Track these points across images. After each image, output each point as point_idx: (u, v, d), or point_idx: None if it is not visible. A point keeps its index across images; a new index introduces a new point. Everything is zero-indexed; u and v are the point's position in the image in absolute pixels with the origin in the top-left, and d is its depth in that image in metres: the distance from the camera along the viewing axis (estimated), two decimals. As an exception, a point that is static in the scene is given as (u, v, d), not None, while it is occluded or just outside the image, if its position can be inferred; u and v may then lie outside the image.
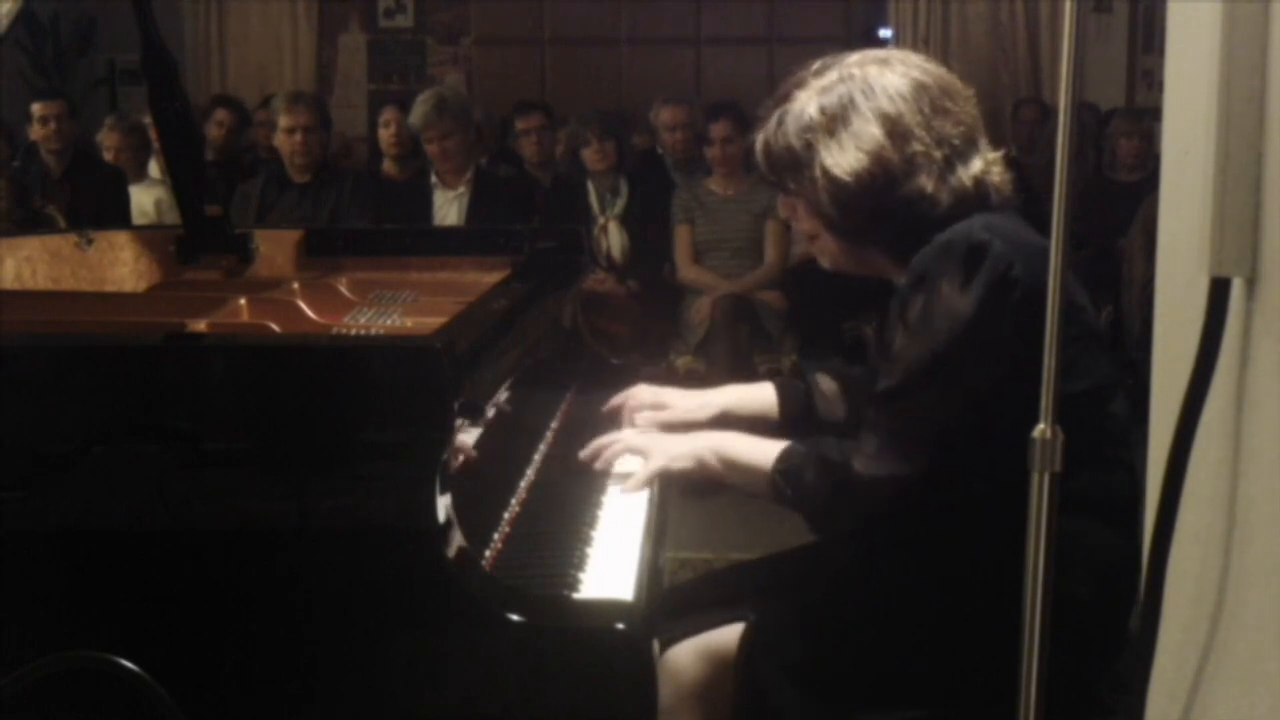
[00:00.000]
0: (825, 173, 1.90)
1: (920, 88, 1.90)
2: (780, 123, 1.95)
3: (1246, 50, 1.31)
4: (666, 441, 2.17)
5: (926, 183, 1.88)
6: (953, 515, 1.84)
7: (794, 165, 1.94)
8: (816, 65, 1.97)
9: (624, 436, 2.21)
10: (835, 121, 1.90)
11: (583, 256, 2.96)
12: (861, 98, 1.90)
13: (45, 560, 1.68)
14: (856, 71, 1.92)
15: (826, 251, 2.01)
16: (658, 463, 2.11)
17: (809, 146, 1.91)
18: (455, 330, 1.98)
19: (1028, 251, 1.78)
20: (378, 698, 1.65)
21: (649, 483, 2.11)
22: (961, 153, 1.90)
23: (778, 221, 5.55)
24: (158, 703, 1.40)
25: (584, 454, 2.20)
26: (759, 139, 1.99)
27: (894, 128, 1.88)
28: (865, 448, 1.86)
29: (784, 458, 1.96)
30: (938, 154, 1.88)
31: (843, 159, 1.89)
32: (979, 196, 1.90)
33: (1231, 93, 1.31)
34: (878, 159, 1.87)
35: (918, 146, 1.88)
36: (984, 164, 1.92)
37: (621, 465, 2.19)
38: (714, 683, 1.97)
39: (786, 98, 1.96)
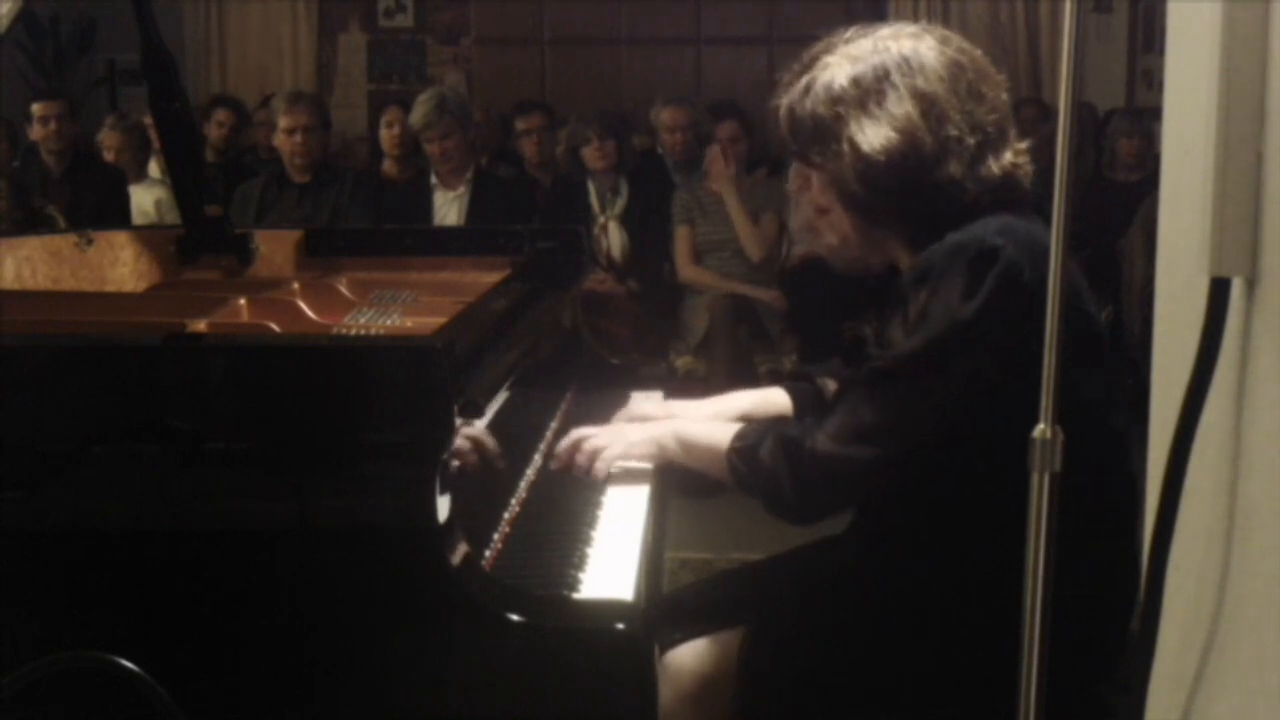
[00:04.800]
0: (854, 147, 1.83)
1: (958, 69, 1.84)
2: (808, 90, 1.87)
3: (1246, 50, 1.31)
4: (626, 430, 2.17)
5: (957, 169, 1.81)
6: (953, 517, 1.84)
7: (820, 136, 1.87)
8: (848, 33, 1.89)
9: (582, 433, 2.17)
10: (868, 95, 1.83)
11: (583, 256, 2.96)
12: (897, 73, 1.82)
13: (45, 560, 1.68)
14: (892, 45, 1.85)
15: (836, 229, 1.93)
16: (616, 449, 2.10)
17: (838, 118, 1.84)
18: (455, 330, 1.98)
19: (1043, 256, 1.75)
20: (377, 698, 1.65)
21: (609, 470, 2.10)
22: (994, 142, 1.84)
23: (773, 215, 5.55)
24: (158, 703, 1.40)
25: (554, 465, 2.17)
26: (782, 104, 1.91)
27: (930, 108, 1.81)
28: (828, 427, 1.81)
29: (740, 435, 1.92)
30: (971, 140, 1.82)
31: (874, 135, 1.81)
32: (1005, 189, 1.84)
33: (1231, 93, 1.31)
34: (910, 138, 1.81)
35: (952, 130, 1.81)
36: (1013, 155, 1.86)
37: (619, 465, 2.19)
38: (714, 685, 1.97)
39: (814, 64, 1.89)
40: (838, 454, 1.80)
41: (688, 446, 2.05)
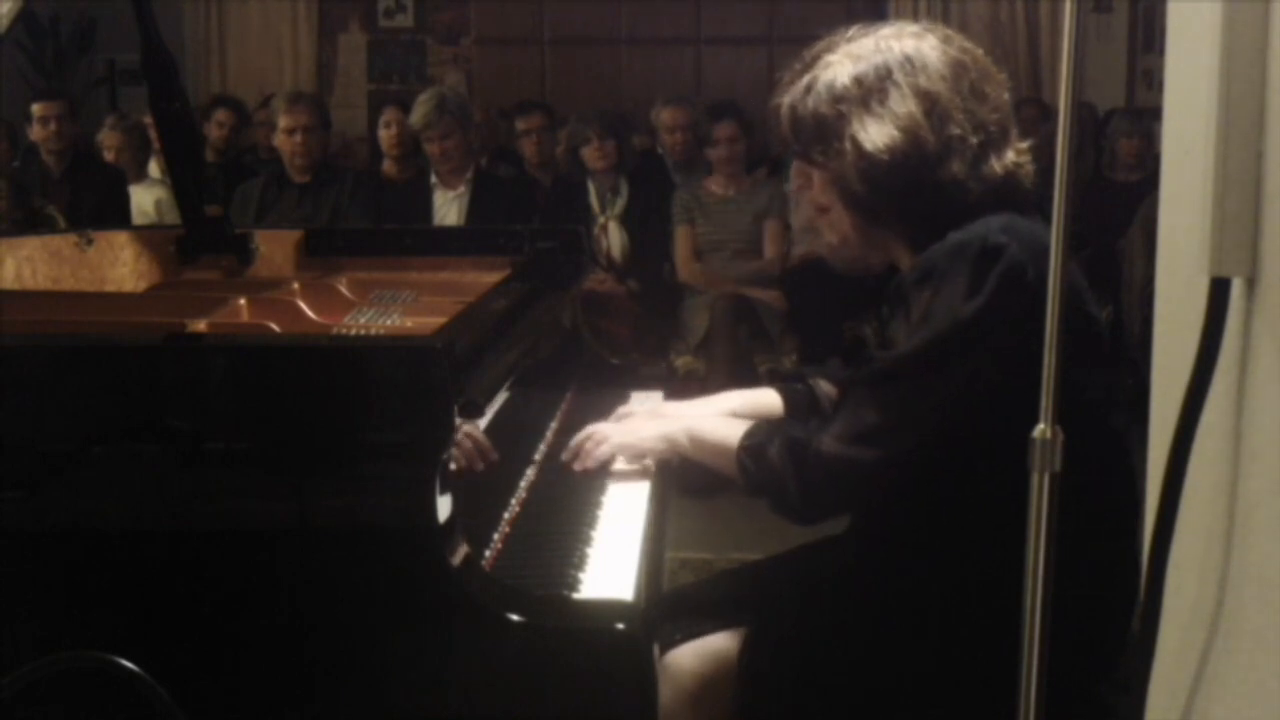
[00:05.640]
0: (856, 145, 1.82)
1: (960, 68, 1.84)
2: (809, 89, 1.87)
3: (1246, 50, 1.31)
4: (639, 426, 2.18)
5: (959, 169, 1.81)
6: (953, 517, 1.84)
7: (821, 135, 1.86)
8: (850, 32, 1.89)
9: (598, 429, 2.19)
10: (870, 93, 1.82)
11: (583, 256, 2.96)
12: (900, 71, 1.82)
13: (45, 560, 1.68)
14: (894, 44, 1.85)
15: (836, 229, 1.93)
16: (623, 439, 2.13)
17: (841, 117, 1.84)
18: (455, 330, 1.98)
19: (1045, 256, 1.74)
20: (377, 698, 1.65)
21: (613, 457, 2.13)
22: (996, 141, 1.84)
23: (777, 219, 5.55)
24: (158, 703, 1.40)
25: (565, 456, 2.19)
26: (784, 103, 1.91)
27: (932, 107, 1.81)
28: (834, 428, 1.82)
29: (750, 434, 1.93)
30: (974, 140, 1.81)
31: (877, 133, 1.81)
32: (1008, 188, 1.84)
33: (1231, 93, 1.31)
34: (913, 138, 1.80)
35: (954, 129, 1.81)
36: (1015, 154, 1.86)
37: (619, 465, 2.19)
38: (714, 685, 1.97)
39: (816, 63, 1.89)
40: (841, 455, 1.80)
41: (699, 443, 2.06)
